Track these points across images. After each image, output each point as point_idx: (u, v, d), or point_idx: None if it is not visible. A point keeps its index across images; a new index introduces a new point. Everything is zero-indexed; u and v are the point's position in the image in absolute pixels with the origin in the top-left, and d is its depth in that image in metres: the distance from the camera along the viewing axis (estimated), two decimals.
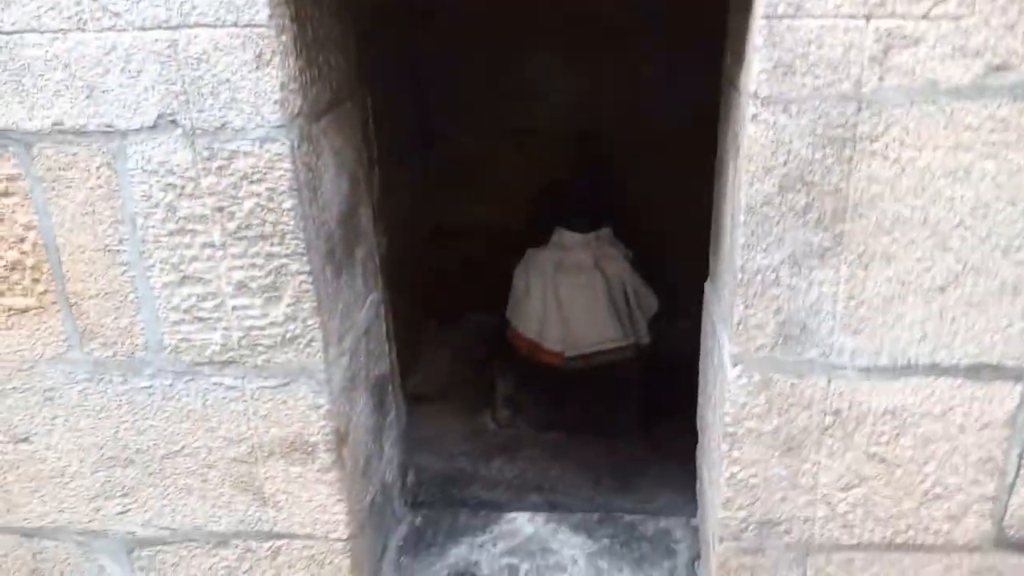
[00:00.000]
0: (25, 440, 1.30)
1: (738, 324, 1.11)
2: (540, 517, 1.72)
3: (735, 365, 1.14)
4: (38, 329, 1.22)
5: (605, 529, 1.68)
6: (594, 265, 2.03)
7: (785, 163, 1.00)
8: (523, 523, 1.70)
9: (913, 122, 0.98)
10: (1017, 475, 1.18)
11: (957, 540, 1.23)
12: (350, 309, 1.32)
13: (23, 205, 1.13)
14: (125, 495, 1.33)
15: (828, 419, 1.16)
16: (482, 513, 1.74)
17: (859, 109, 0.97)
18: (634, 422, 2.04)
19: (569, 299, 2.01)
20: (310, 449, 1.26)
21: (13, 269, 1.17)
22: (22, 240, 1.15)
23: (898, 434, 1.16)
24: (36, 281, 1.18)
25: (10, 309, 1.20)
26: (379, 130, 1.52)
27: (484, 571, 1.57)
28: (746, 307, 1.10)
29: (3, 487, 1.35)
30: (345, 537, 1.34)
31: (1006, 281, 1.05)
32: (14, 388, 1.27)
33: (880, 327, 1.09)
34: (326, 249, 1.19)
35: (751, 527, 1.25)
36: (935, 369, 1.12)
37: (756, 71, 0.96)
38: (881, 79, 0.95)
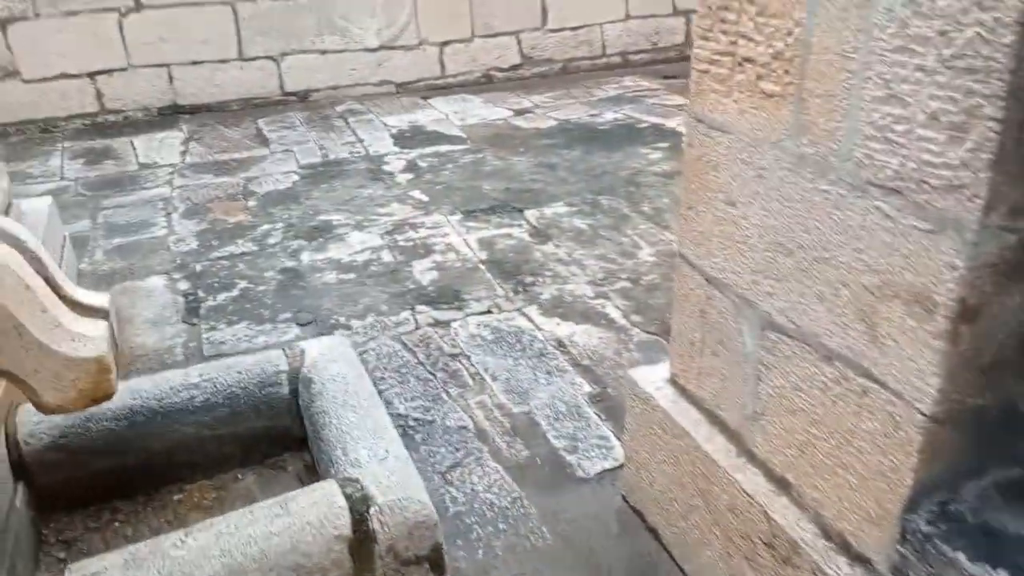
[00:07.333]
0: (732, 204, 1.63)
1: None
2: None
3: None
4: (773, 115, 1.47)
5: None
6: None
7: None
8: None
9: None
10: None
11: None
12: None
13: (800, 3, 1.34)
14: (777, 280, 1.56)
15: None
16: None
17: None
18: None
19: None
20: (931, 308, 1.24)
21: (775, 59, 1.43)
22: (789, 34, 1.38)
23: None
24: (786, 72, 1.41)
25: (762, 92, 1.48)
26: None
27: None
28: None
29: (707, 237, 1.73)
30: (927, 414, 1.30)
31: None
32: (742, 161, 1.57)
33: None
34: None
35: None
36: None
37: None
38: None
